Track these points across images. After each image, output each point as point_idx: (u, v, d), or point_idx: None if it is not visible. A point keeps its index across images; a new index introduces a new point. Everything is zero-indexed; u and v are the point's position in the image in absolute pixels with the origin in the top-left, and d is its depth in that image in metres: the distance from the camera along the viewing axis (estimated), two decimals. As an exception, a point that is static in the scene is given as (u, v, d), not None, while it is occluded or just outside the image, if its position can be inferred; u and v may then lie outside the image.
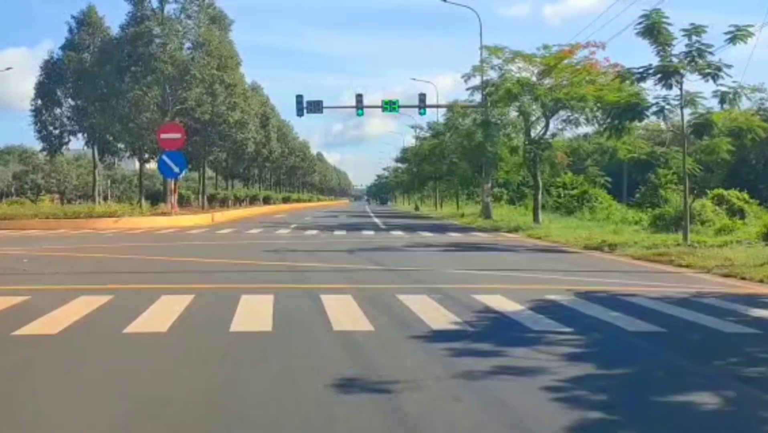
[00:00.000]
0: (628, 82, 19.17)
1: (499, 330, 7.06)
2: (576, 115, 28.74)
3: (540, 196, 30.15)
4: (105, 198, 69.02)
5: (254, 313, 7.76)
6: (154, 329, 6.84)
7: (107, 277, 11.49)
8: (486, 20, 48.21)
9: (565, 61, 28.00)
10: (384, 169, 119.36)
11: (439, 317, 7.62)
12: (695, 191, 22.52)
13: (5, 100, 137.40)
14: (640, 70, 18.12)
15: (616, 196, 41.17)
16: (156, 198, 44.03)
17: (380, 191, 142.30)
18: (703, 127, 17.52)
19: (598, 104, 26.49)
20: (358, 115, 37.91)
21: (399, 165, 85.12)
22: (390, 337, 6.60)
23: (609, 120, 19.44)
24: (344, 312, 7.84)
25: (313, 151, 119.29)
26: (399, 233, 25.94)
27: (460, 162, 43.17)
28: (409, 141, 74.47)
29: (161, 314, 7.62)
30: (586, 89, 26.54)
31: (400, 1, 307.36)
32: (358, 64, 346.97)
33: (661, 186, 39.16)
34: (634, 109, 18.30)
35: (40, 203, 43.08)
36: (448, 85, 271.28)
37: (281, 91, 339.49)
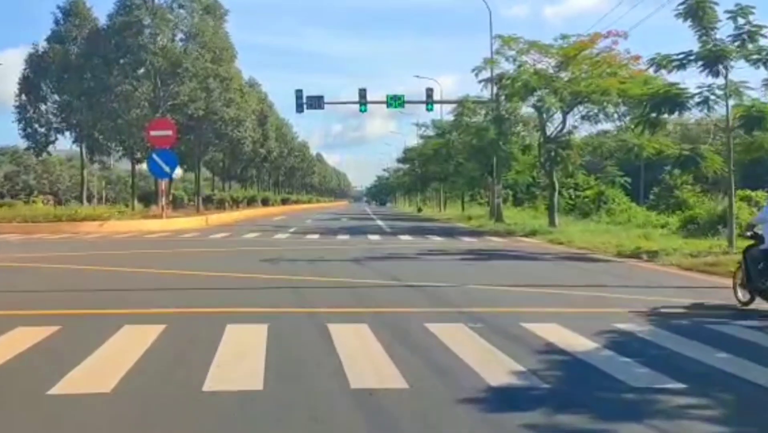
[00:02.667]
0: (664, 70, 17.31)
1: (582, 386, 5.03)
2: (595, 110, 26.66)
3: (556, 198, 28.13)
4: (100, 200, 67.08)
5: (240, 356, 5.74)
6: (95, 387, 4.77)
7: (62, 297, 9.30)
8: (487, 19, 46.54)
9: (585, 52, 26.00)
10: (384, 170, 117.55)
11: (491, 361, 5.62)
12: (727, 192, 20.63)
13: (2, 100, 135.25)
14: (681, 56, 16.26)
15: (631, 197, 39.19)
16: (150, 200, 41.93)
17: (380, 192, 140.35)
18: (754, 119, 15.65)
19: (621, 98, 24.54)
20: (361, 111, 35.81)
21: (400, 166, 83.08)
22: (433, 401, 4.57)
23: (644, 112, 17.51)
24: (362, 354, 5.82)
25: (313, 152, 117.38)
26: (407, 237, 23.91)
27: (467, 162, 41.22)
28: (412, 141, 72.65)
29: (113, 360, 5.58)
30: (609, 82, 24.51)
31: (401, 1, 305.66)
32: (359, 64, 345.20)
33: (677, 187, 37.28)
34: (674, 100, 16.40)
35: (33, 205, 40.95)
36: (451, 86, 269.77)
37: (281, 91, 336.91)
